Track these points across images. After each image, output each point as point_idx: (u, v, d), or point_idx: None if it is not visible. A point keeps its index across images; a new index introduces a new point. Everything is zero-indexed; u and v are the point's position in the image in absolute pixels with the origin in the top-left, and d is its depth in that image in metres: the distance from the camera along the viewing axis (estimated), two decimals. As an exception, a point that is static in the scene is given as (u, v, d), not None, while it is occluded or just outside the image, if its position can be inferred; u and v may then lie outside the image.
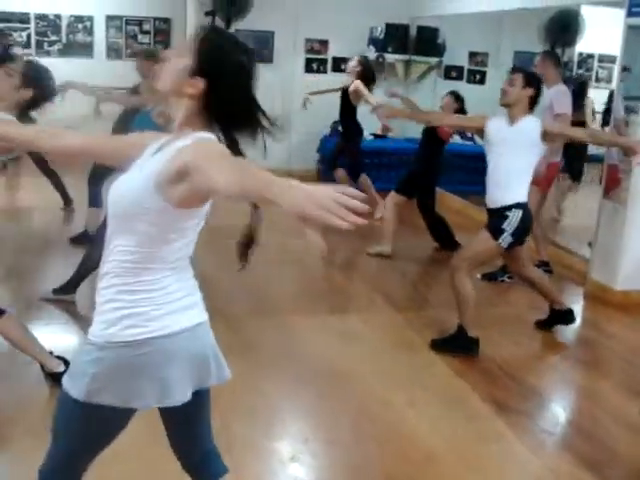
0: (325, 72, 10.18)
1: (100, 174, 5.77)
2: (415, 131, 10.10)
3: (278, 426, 3.73)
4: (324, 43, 10.18)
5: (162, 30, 11.96)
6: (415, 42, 10.34)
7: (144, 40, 11.97)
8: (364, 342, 4.78)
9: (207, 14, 9.70)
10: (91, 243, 5.16)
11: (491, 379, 4.33)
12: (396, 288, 5.99)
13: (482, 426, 3.80)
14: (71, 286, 5.06)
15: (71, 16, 11.67)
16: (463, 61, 10.13)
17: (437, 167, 7.04)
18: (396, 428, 3.68)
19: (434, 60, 10.27)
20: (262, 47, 9.87)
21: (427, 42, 10.22)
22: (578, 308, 5.76)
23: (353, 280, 6.16)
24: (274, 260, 6.72)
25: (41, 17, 11.54)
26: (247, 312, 5.16)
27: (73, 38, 11.76)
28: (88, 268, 4.86)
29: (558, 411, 4.23)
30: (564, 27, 8.55)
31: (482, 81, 9.96)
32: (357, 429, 3.66)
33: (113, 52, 11.93)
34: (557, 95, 6.08)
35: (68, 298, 5.05)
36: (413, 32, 10.33)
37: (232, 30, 9.78)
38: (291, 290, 5.92)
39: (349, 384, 4.13)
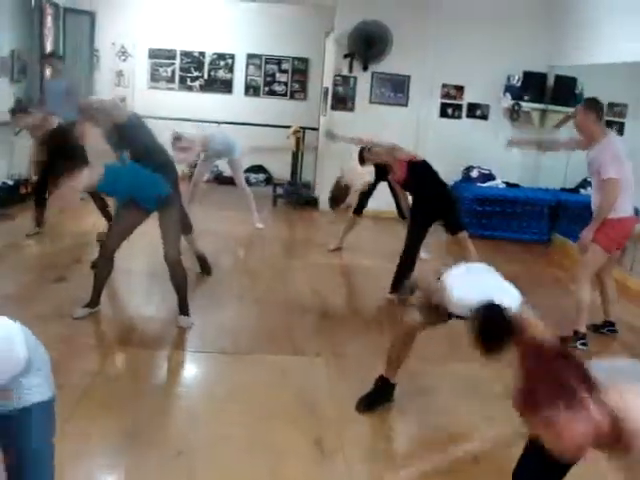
0: (460, 117, 10.19)
1: None
2: (549, 181, 10.00)
3: (403, 471, 3.72)
4: (460, 89, 10.19)
5: (300, 70, 12.28)
6: (552, 91, 10.22)
7: (281, 79, 12.32)
8: (490, 391, 4.68)
9: (346, 56, 9.91)
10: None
11: None
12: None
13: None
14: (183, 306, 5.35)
15: (214, 54, 12.15)
16: (601, 112, 9.91)
17: None
18: None
19: (571, 110, 10.09)
20: (398, 91, 9.98)
21: (564, 91, 10.06)
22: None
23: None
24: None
25: (186, 54, 12.06)
26: (370, 353, 5.12)
27: (214, 74, 12.21)
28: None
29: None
30: None
31: (621, 132, 9.72)
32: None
33: (251, 89, 12.32)
34: (600, 156, 5.33)
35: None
36: (550, 81, 10.21)
37: (369, 72, 9.96)
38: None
39: (476, 434, 4.06)
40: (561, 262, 8.37)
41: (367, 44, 9.75)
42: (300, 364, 4.83)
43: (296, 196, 10.84)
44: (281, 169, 11.68)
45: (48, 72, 9.70)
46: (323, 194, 10.51)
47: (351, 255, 7.87)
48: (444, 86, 10.17)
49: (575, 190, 9.66)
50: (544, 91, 10.27)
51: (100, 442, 3.59)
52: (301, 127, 11.01)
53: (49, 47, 10.55)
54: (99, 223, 7.12)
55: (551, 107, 10.26)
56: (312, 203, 10.75)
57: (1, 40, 9.06)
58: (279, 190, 11.04)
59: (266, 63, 12.27)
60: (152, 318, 5.53)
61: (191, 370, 4.81)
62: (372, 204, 8.06)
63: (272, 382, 4.47)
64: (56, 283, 6.00)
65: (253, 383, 4.42)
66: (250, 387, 4.36)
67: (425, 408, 4.35)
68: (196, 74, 12.19)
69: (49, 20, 10.75)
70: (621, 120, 9.80)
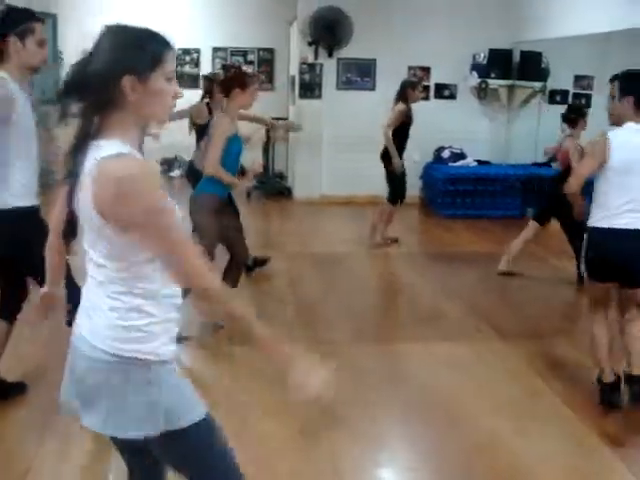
0: (427, 99, 10.19)
1: None
2: (520, 156, 10.04)
3: (386, 453, 3.74)
4: (426, 70, 10.21)
5: (266, 60, 12.25)
6: (518, 67, 10.26)
7: (248, 70, 12.26)
8: (470, 370, 4.72)
9: (310, 44, 9.90)
10: None
11: (602, 410, 4.19)
12: (504, 316, 5.84)
13: (594, 458, 3.68)
14: None
15: (179, 49, 12.05)
16: (568, 85, 9.95)
17: None
18: (505, 459, 3.62)
19: (538, 85, 10.15)
20: (364, 75, 9.99)
21: (531, 66, 10.11)
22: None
23: (459, 307, 6.08)
24: (377, 287, 6.78)
25: (151, 51, 11.97)
26: (351, 338, 5.19)
27: (181, 70, 12.14)
28: None
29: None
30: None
31: (588, 105, 9.77)
32: (464, 459, 3.62)
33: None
34: None
35: None
36: (516, 57, 10.25)
37: (334, 59, 9.97)
38: (395, 317, 5.94)
39: (456, 413, 4.08)
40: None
41: (327, 31, 9.74)
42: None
43: (269, 187, 10.82)
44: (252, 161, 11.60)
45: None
46: (296, 183, 10.52)
47: (325, 243, 7.85)
48: (410, 68, 10.19)
49: (547, 164, 9.71)
50: (510, 67, 10.32)
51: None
52: (270, 117, 10.98)
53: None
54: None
55: (518, 83, 10.33)
56: (285, 193, 10.76)
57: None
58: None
59: (232, 55, 12.21)
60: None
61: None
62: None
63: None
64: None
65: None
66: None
67: (409, 385, 4.37)
68: (162, 70, 12.11)
69: (9, 24, 10.64)
70: (588, 92, 9.86)
